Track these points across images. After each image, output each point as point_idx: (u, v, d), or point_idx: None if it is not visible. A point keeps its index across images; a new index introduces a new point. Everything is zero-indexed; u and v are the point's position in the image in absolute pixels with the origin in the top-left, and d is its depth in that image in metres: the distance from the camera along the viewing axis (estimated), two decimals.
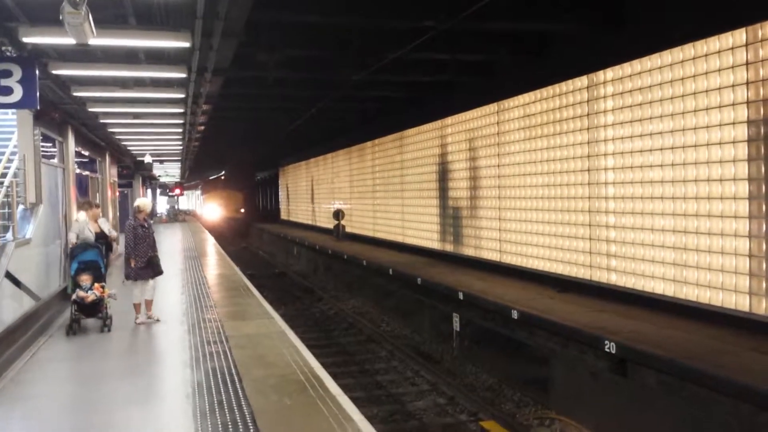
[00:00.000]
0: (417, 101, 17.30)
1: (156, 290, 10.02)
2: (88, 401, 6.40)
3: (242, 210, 51.50)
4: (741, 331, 7.85)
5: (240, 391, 6.35)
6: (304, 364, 7.36)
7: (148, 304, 9.80)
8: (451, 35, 10.59)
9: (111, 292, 9.40)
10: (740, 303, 7.98)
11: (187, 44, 7.40)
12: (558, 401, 8.95)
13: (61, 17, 4.88)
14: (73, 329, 9.01)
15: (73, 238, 9.78)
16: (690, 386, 6.79)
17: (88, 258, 9.42)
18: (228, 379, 6.76)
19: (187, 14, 6.70)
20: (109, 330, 9.09)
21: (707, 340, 7.74)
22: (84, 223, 10.02)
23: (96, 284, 9.15)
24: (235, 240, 42.96)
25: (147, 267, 9.68)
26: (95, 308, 9.13)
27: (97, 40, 6.18)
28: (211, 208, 57.04)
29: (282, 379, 6.79)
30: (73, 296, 9.08)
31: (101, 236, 10.36)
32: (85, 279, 9.11)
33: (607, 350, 7.86)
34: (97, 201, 11.16)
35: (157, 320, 9.74)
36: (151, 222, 10.35)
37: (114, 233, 10.50)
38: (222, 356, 7.72)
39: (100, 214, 10.27)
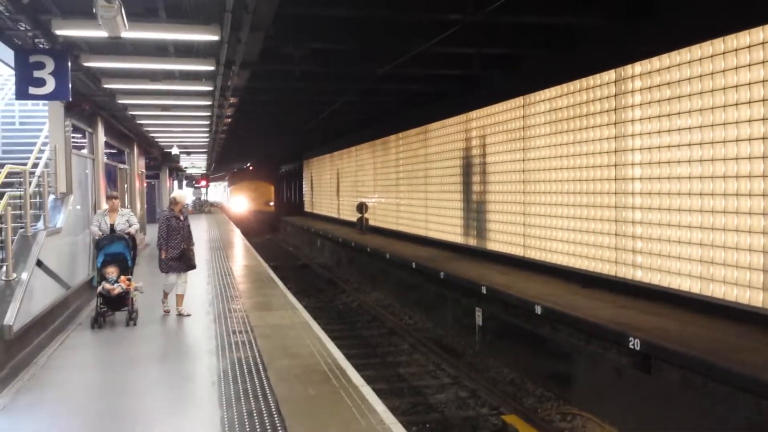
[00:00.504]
0: (442, 95, 17.27)
1: (187, 284, 9.97)
2: (117, 387, 6.54)
3: (271, 203, 48.93)
4: (767, 329, 7.76)
5: (265, 380, 6.45)
6: (327, 354, 7.44)
7: (179, 298, 9.73)
8: (476, 28, 10.56)
9: (137, 285, 9.30)
10: (767, 301, 7.89)
11: (216, 38, 7.49)
12: (580, 397, 8.93)
13: (94, 10, 4.98)
14: (99, 323, 8.93)
15: (95, 231, 9.59)
16: (714, 384, 6.74)
17: (114, 250, 9.30)
18: (253, 369, 6.86)
19: (217, 8, 6.78)
20: (135, 324, 9.01)
21: (733, 338, 7.66)
22: (101, 216, 9.80)
23: (122, 277, 9.06)
24: (263, 234, 41.10)
25: (179, 260, 9.57)
26: (121, 301, 9.06)
27: (128, 33, 6.29)
28: (239, 200, 53.11)
29: (306, 369, 6.88)
30: (99, 288, 9.01)
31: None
32: (111, 271, 9.03)
33: (632, 347, 7.82)
34: (115, 192, 10.75)
35: (188, 315, 9.65)
36: (187, 215, 10.13)
37: (133, 227, 9.81)
38: (247, 346, 7.84)
39: (119, 206, 9.94)
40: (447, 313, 13.72)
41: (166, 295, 9.83)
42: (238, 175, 53.87)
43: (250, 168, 52.91)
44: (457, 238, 17.08)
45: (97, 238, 9.46)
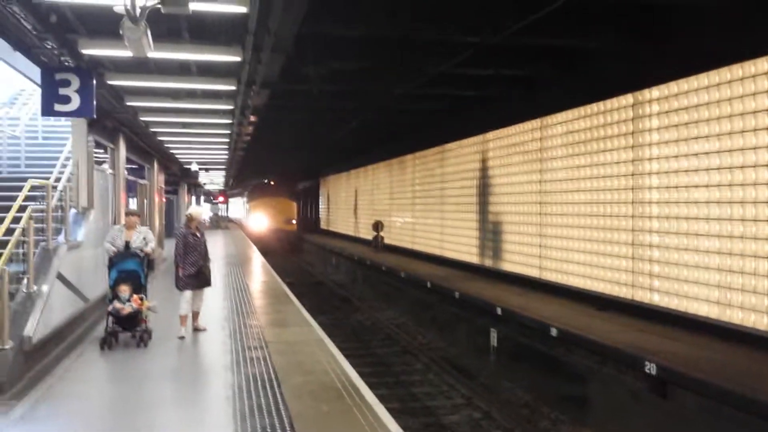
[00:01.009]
0: (459, 115, 17.36)
1: (204, 302, 9.92)
2: (133, 400, 6.60)
3: (294, 221, 45.07)
4: None
5: (279, 396, 6.48)
6: (341, 372, 7.47)
7: (195, 315, 9.69)
8: (494, 50, 10.64)
9: (151, 305, 8.93)
10: None
11: (238, 58, 7.64)
12: (595, 420, 8.86)
13: (120, 31, 5.11)
14: (108, 343, 8.50)
15: (109, 248, 9.03)
16: (730, 410, 6.68)
17: (128, 267, 8.90)
18: (267, 384, 6.90)
19: (239, 29, 6.92)
20: (145, 345, 8.60)
21: (750, 363, 7.59)
22: (117, 231, 9.35)
23: (135, 296, 8.65)
24: (283, 254, 37.04)
25: (196, 277, 9.44)
26: (133, 321, 8.68)
27: (152, 54, 6.43)
28: (259, 217, 48.68)
29: (320, 385, 6.91)
30: (109, 307, 8.62)
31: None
32: (124, 290, 8.62)
33: (648, 371, 7.77)
34: (135, 209, 10.59)
35: (204, 329, 9.65)
36: (203, 231, 9.98)
37: (150, 246, 9.27)
38: (262, 361, 7.88)
39: (138, 223, 9.46)
40: (461, 333, 13.69)
41: (183, 319, 9.49)
42: (258, 191, 49.90)
43: (271, 183, 48.89)
44: (473, 258, 17.07)
45: (111, 254, 9.02)
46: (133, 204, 17.87)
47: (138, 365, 7.94)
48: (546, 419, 9.50)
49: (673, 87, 9.76)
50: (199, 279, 9.53)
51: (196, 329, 9.66)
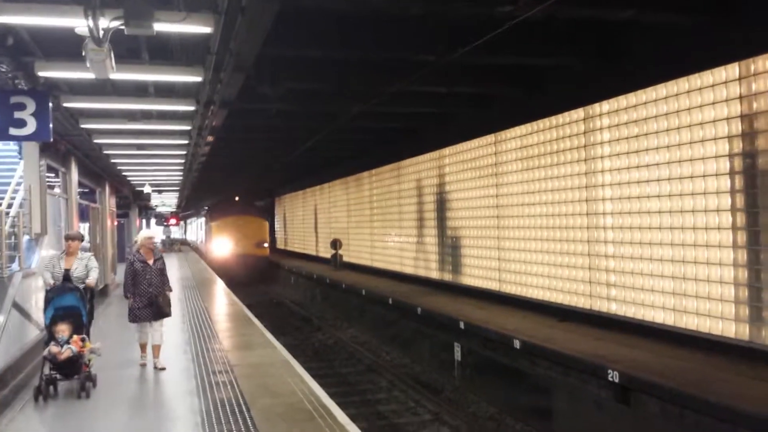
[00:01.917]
0: (414, 132, 17.54)
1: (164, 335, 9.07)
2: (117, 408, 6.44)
3: (265, 244, 34.43)
4: (741, 359, 7.95)
5: (249, 420, 6.40)
6: (310, 393, 7.42)
7: (155, 349, 8.85)
8: (449, 68, 10.82)
9: (94, 347, 7.77)
10: (740, 332, 8.11)
11: (199, 78, 7.60)
12: (561, 430, 8.99)
13: (83, 53, 5.04)
14: (44, 393, 7.22)
15: (47, 278, 7.89)
16: (692, 414, 6.88)
17: (67, 303, 7.66)
18: (236, 409, 6.81)
19: (200, 50, 6.90)
20: (87, 396, 7.31)
21: (708, 368, 7.84)
22: (54, 259, 8.19)
23: (75, 336, 7.44)
24: (252, 288, 29.44)
25: (147, 307, 8.67)
26: (73, 367, 7.38)
27: (112, 75, 6.34)
28: (222, 242, 34.45)
29: (290, 407, 6.85)
30: (45, 351, 7.32)
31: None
32: (63, 330, 7.42)
33: (610, 379, 7.94)
34: (75, 233, 8.79)
35: (163, 368, 8.67)
36: (161, 255, 9.21)
37: (93, 277, 8.07)
38: (228, 386, 7.77)
39: (78, 248, 8.23)
40: (425, 348, 13.74)
41: (143, 347, 8.90)
42: (220, 209, 36.75)
43: (236, 199, 37.74)
44: (433, 274, 17.19)
45: (47, 287, 7.82)
46: (86, 229, 17.45)
47: (79, 422, 6.76)
48: (512, 431, 9.60)
49: (623, 101, 10.09)
50: (152, 310, 8.69)
51: (156, 366, 8.74)
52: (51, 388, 7.37)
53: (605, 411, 8.19)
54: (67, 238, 8.41)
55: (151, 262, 8.84)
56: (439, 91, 12.88)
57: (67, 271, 7.98)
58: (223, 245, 33.69)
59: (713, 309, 8.50)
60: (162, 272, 8.91)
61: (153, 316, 8.74)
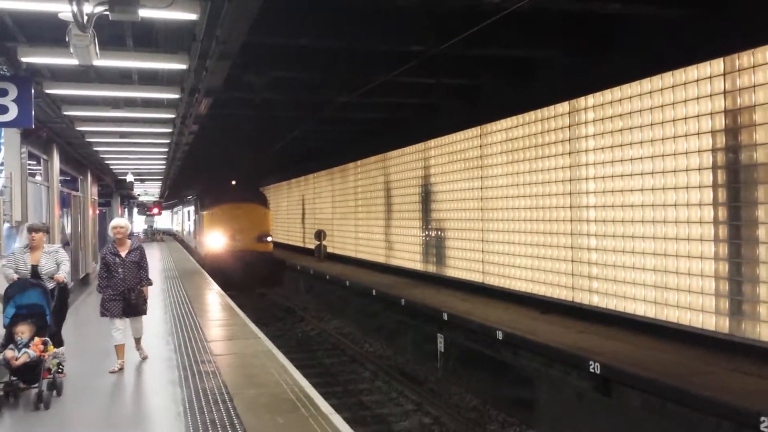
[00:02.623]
0: (401, 123, 17.52)
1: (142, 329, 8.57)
2: (84, 420, 6.38)
3: (269, 238, 27.29)
4: (721, 352, 8.06)
5: (232, 410, 6.38)
6: (294, 383, 7.41)
7: (136, 341, 8.50)
8: (437, 60, 10.83)
9: (57, 351, 7.01)
10: (720, 325, 8.21)
11: (184, 66, 7.53)
12: (543, 421, 9.07)
13: (67, 39, 4.97)
14: (3, 400, 6.45)
15: (9, 274, 7.15)
16: (673, 406, 6.96)
17: (29, 301, 6.90)
18: (219, 399, 6.78)
19: (185, 37, 6.83)
20: (46, 407, 6.41)
21: (688, 360, 7.93)
22: (18, 254, 7.41)
23: (36, 339, 6.72)
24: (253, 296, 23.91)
25: (119, 303, 7.94)
26: (32, 373, 6.57)
27: (95, 61, 6.26)
28: (215, 235, 26.99)
29: (273, 398, 6.83)
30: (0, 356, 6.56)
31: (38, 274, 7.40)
32: (23, 331, 6.68)
33: (592, 370, 8.01)
34: (40, 224, 7.72)
35: (145, 357, 8.45)
36: (139, 245, 8.35)
37: (64, 271, 7.38)
38: (211, 376, 7.74)
39: (43, 241, 7.41)
40: (408, 340, 13.78)
41: (118, 350, 8.07)
42: (213, 195, 28.82)
43: (233, 183, 29.84)
44: (417, 265, 17.22)
45: (9, 283, 7.12)
46: (66, 217, 17.26)
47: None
48: (494, 422, 9.67)
49: (608, 95, 10.14)
50: (124, 306, 7.98)
51: (141, 356, 8.51)
52: (11, 397, 6.54)
53: (587, 402, 8.27)
54: (30, 229, 7.48)
55: (124, 254, 8.02)
56: (427, 82, 12.88)
57: (34, 267, 7.23)
58: (217, 239, 26.45)
59: (694, 302, 8.60)
60: (138, 265, 8.10)
61: (125, 313, 8.00)
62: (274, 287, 25.57)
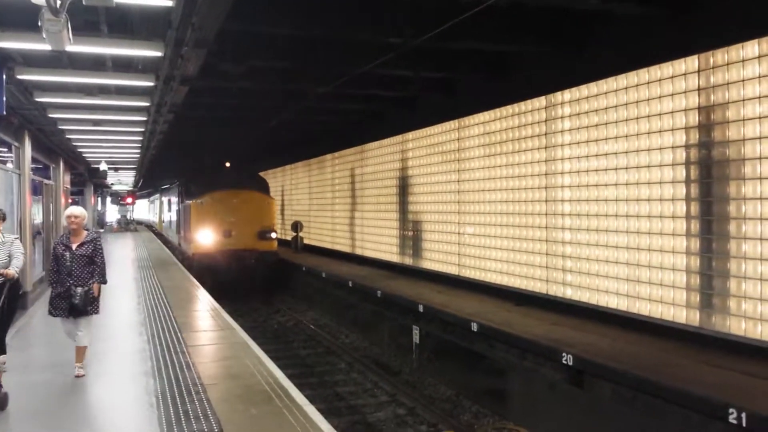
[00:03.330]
0: (379, 115, 17.50)
1: (93, 336, 7.58)
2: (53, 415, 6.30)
3: (273, 234, 22.24)
4: (691, 344, 8.20)
5: (205, 401, 6.35)
6: (268, 374, 7.39)
7: (79, 351, 7.32)
8: (415, 52, 10.82)
9: None
10: (690, 318, 8.35)
11: (159, 53, 7.42)
12: (516, 412, 9.16)
13: (39, 23, 4.87)
14: None
15: None
16: (644, 397, 7.07)
17: None
18: (192, 389, 6.74)
19: (161, 24, 6.73)
20: None
21: (660, 353, 8.06)
22: None
23: None
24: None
25: (64, 300, 7.11)
26: None
27: (68, 47, 6.15)
28: (205, 230, 21.53)
29: (247, 389, 6.82)
30: None
31: None
32: None
33: (565, 362, 8.11)
34: (16, 209, 7.62)
35: (80, 376, 7.22)
36: (94, 237, 7.41)
37: (16, 266, 6.39)
38: (185, 366, 7.69)
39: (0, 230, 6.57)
40: (384, 331, 13.81)
41: (78, 352, 7.34)
42: (203, 181, 23.28)
43: (227, 165, 24.25)
44: (394, 257, 17.24)
45: None
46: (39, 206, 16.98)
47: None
48: (468, 412, 9.75)
49: (583, 90, 10.22)
50: (68, 304, 7.10)
51: (78, 371, 7.27)
52: None
53: (559, 393, 8.37)
54: None
55: (75, 246, 7.17)
56: (405, 74, 12.86)
57: None
58: (208, 236, 21.11)
59: (666, 295, 8.72)
60: (91, 260, 7.20)
61: (71, 313, 7.14)
62: (278, 294, 21.41)
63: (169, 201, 32.44)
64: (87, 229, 7.45)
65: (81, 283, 7.11)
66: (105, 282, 7.43)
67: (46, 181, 17.78)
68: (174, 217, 29.30)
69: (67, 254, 7.13)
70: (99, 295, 7.35)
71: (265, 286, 21.01)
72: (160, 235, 39.16)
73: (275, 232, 21.99)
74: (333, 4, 9.12)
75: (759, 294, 7.45)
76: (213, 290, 15.46)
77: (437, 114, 14.69)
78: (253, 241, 21.23)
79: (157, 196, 44.54)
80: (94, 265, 7.25)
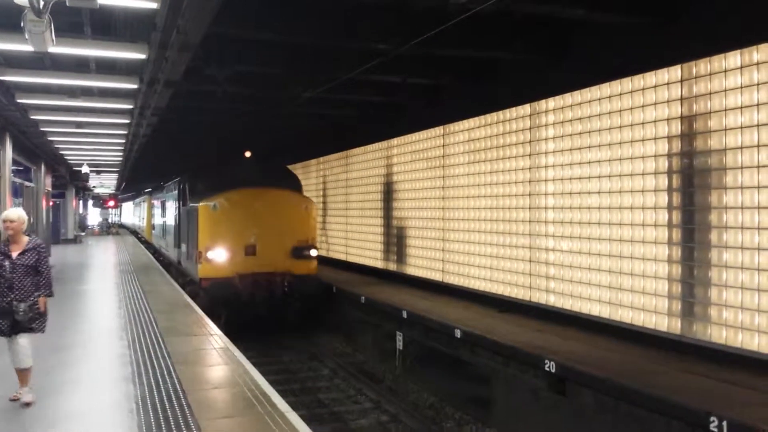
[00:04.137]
0: (365, 121, 17.49)
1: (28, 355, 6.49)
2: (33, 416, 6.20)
3: (312, 251, 15.79)
4: (673, 352, 8.25)
5: (186, 408, 6.28)
6: (250, 380, 7.33)
7: (21, 375, 6.45)
8: (402, 59, 10.84)
9: None
10: (672, 326, 8.40)
11: (143, 56, 7.38)
12: (498, 419, 9.16)
13: (22, 24, 4.81)
14: None
15: None
16: (626, 405, 7.10)
17: None
18: (173, 395, 6.67)
19: (146, 26, 6.69)
20: None
21: (641, 360, 8.10)
22: None
23: None
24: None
25: (5, 317, 6.33)
26: None
27: (52, 48, 6.09)
28: (217, 245, 14.81)
29: (229, 395, 6.76)
30: None
31: None
32: None
33: (548, 369, 8.12)
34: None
35: (28, 402, 6.32)
36: (38, 244, 6.65)
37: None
38: (165, 372, 7.61)
39: None
40: (367, 337, 13.77)
41: (20, 376, 6.47)
42: (215, 177, 16.39)
43: (247, 155, 17.00)
44: (378, 263, 17.22)
45: None
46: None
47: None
48: (451, 420, 9.73)
49: (568, 98, 10.29)
50: (10, 321, 6.34)
51: (17, 396, 6.42)
52: None
53: (542, 401, 8.38)
54: None
55: (15, 254, 6.39)
56: (392, 80, 12.87)
57: None
58: (223, 253, 15.04)
59: (647, 303, 8.78)
60: (34, 270, 6.44)
61: (13, 329, 6.37)
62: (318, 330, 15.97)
63: (163, 203, 24.53)
64: (28, 235, 6.68)
65: (24, 296, 6.34)
66: (51, 295, 6.63)
67: (26, 183, 17.57)
68: (171, 225, 21.23)
69: (6, 264, 6.32)
70: (46, 310, 6.56)
71: (300, 322, 15.30)
72: (147, 245, 33.44)
73: (316, 248, 15.93)
74: (319, 11, 9.11)
75: (740, 302, 7.52)
76: (228, 327, 12.03)
77: (423, 120, 14.71)
78: (287, 261, 15.16)
79: (145, 198, 37.06)
80: (38, 275, 6.46)
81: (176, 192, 19.42)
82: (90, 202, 57.10)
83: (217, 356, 8.57)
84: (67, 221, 33.83)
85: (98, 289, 14.32)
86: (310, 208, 16.09)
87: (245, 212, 15.08)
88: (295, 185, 17.26)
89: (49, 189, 23.46)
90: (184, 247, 17.47)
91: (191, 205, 16.28)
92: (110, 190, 47.86)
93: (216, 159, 21.44)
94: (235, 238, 14.86)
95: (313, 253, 15.58)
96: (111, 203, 56.50)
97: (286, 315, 14.95)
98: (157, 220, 27.77)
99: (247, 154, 17.03)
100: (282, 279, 14.74)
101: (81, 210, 49.31)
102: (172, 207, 21.06)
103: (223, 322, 12.51)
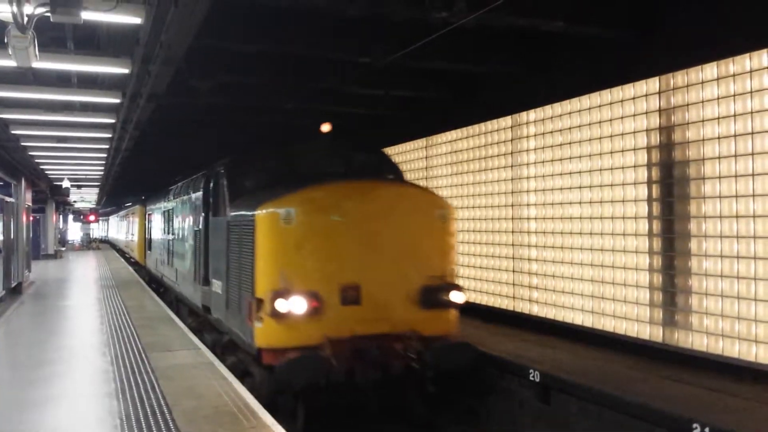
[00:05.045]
0: (348, 133, 17.50)
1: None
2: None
3: (457, 296, 8.72)
4: (655, 360, 8.34)
5: (171, 422, 6.24)
6: (235, 395, 7.29)
7: None
8: (385, 71, 10.90)
9: None
10: (654, 334, 8.50)
11: (126, 70, 7.37)
12: (484, 428, 9.17)
13: (6, 40, 4.81)
14: None
15: None
16: (609, 413, 7.15)
17: None
18: (157, 410, 6.62)
19: (129, 41, 6.69)
20: None
21: (624, 369, 8.18)
22: None
23: None
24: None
25: None
26: None
27: (35, 63, 6.08)
28: (286, 288, 7.76)
29: (214, 410, 6.71)
30: None
31: None
32: None
33: (532, 378, 8.17)
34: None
35: None
36: None
37: None
38: (149, 387, 7.55)
39: None
40: None
41: None
42: (268, 170, 9.42)
43: (323, 129, 13.11)
44: None
45: None
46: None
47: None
48: (438, 429, 9.70)
49: (549, 110, 10.42)
50: None
51: None
52: None
53: (527, 410, 8.42)
54: None
55: None
56: (375, 93, 12.93)
57: None
58: (301, 302, 7.85)
59: (629, 312, 8.88)
60: None
61: None
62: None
63: (168, 214, 16.40)
64: None
65: None
66: None
67: (6, 198, 17.38)
68: (187, 248, 13.29)
69: None
70: None
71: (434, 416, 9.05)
72: (139, 267, 25.87)
73: (460, 289, 9.02)
74: (300, 22, 9.15)
75: (720, 310, 7.63)
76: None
77: (406, 132, 14.79)
78: (412, 313, 8.53)
79: (135, 208, 28.25)
80: None
81: (196, 195, 12.14)
82: (70, 217, 56.54)
83: (201, 370, 8.50)
84: (47, 236, 33.46)
85: (80, 304, 14.18)
86: (447, 216, 9.03)
87: (340, 226, 8.37)
88: (401, 177, 11.02)
89: (30, 204, 23.22)
90: (218, 285, 10.25)
91: (236, 214, 9.22)
92: (91, 205, 47.42)
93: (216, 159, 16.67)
94: (323, 272, 8.22)
95: (458, 298, 8.85)
96: (92, 218, 55.88)
97: (411, 405, 8.84)
98: (157, 237, 19.22)
99: (325, 128, 12.32)
100: (405, 345, 8.34)
101: (61, 225, 48.82)
102: (188, 218, 13.29)
103: (300, 424, 7.99)
